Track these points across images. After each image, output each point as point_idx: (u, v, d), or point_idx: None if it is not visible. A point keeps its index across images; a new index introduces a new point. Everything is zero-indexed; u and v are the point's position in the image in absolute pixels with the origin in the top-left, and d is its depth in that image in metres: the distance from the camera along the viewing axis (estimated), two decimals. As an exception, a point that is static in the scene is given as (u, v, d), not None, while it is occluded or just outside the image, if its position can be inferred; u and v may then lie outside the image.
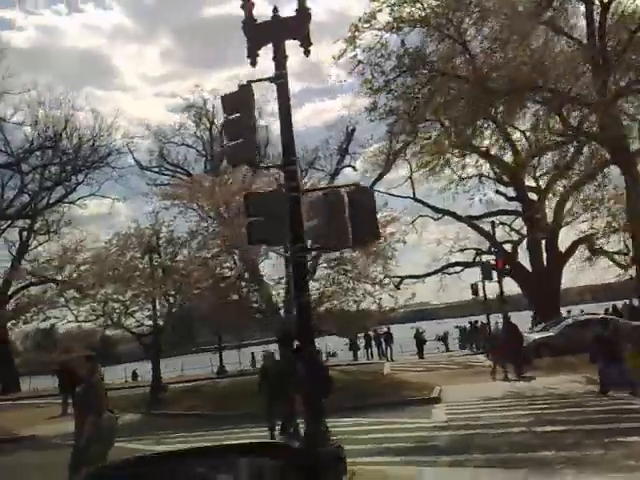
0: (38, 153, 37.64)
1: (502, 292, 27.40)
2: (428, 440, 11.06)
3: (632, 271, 27.25)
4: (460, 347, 39.11)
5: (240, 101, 9.38)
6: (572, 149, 29.24)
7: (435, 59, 23.36)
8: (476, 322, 37.18)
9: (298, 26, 9.22)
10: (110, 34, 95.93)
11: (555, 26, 24.39)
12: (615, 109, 21.97)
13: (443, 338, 41.30)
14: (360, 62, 21.95)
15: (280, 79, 9.46)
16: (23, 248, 34.92)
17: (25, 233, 36.34)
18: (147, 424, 17.69)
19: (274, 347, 15.58)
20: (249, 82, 9.54)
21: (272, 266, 22.73)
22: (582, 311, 36.49)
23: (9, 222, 36.12)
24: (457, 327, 44.97)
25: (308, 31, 9.27)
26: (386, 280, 22.49)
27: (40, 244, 34.31)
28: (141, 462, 1.78)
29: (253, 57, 9.49)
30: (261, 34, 9.18)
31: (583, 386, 16.23)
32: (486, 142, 30.33)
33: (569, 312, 32.98)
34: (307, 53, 10.49)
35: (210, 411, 18.03)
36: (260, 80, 9.70)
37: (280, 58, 9.29)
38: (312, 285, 21.39)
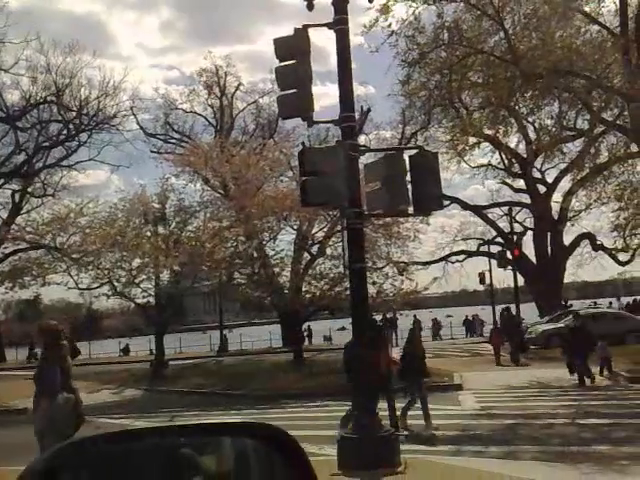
0: (35, 111, 35.62)
1: (516, 281, 26.72)
2: (471, 429, 10.40)
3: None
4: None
5: (295, 47, 8.45)
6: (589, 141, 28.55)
7: (471, 36, 22.44)
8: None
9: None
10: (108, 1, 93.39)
11: (586, 13, 23.63)
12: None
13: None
14: (394, 32, 20.83)
15: (339, 25, 8.56)
16: (15, 210, 33.20)
17: (18, 195, 34.62)
18: (152, 400, 16.83)
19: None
20: (305, 26, 8.56)
21: (287, 243, 21.76)
22: (595, 303, 36.41)
23: (1, 182, 34.27)
24: (448, 316, 45.66)
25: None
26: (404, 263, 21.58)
27: (34, 208, 32.38)
28: (117, 438, 1.61)
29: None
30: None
31: (602, 379, 15.91)
32: (500, 132, 29.59)
33: (570, 305, 32.61)
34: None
35: (219, 389, 17.16)
36: (317, 25, 8.85)
37: (340, 1, 8.34)
38: (328, 265, 20.67)
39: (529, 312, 33.24)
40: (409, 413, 10.56)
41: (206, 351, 34.53)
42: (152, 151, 38.00)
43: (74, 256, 20.22)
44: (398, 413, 10.35)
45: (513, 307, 25.76)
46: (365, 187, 9.30)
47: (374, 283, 19.77)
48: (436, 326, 38.95)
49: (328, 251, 20.79)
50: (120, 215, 20.91)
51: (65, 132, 35.91)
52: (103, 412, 14.54)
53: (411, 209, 8.87)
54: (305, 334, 31.93)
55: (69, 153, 36.13)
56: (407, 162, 8.67)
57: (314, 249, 21.56)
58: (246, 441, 1.65)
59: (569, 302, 35.55)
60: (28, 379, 23.22)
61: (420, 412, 10.46)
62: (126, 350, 39.71)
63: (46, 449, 6.51)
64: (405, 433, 9.90)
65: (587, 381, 15.08)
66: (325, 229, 21.15)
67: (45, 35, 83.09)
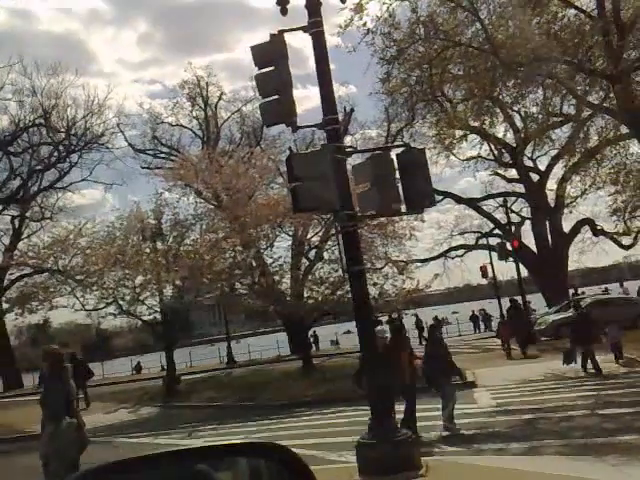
0: (26, 135, 35.72)
1: (519, 272, 26.63)
2: (489, 426, 10.28)
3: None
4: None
5: (272, 53, 8.42)
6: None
7: (447, 29, 22.45)
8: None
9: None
10: (85, 18, 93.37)
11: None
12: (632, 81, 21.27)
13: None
14: (370, 31, 20.87)
15: (314, 27, 8.57)
16: (16, 236, 33.29)
17: (17, 220, 34.70)
18: (169, 417, 16.82)
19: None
20: (280, 32, 8.53)
21: (284, 249, 21.82)
22: (606, 289, 36.14)
23: (0, 208, 34.35)
24: (454, 313, 44.97)
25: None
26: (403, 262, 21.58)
27: (34, 232, 32.54)
28: (133, 464, 1.70)
29: (283, 4, 8.57)
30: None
31: (618, 366, 15.71)
32: (486, 122, 29.57)
33: (575, 293, 32.43)
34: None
35: (232, 402, 17.20)
36: (292, 30, 8.75)
37: (313, 4, 8.35)
38: (326, 269, 20.70)
39: (537, 302, 32.91)
40: (453, 413, 10.26)
41: (216, 363, 34.50)
42: (142, 167, 38.13)
43: (77, 277, 20.29)
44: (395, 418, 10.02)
45: (520, 299, 25.50)
46: (355, 188, 9.33)
47: (375, 284, 19.77)
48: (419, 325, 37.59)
49: (325, 255, 20.83)
50: (118, 234, 20.94)
51: (56, 154, 36.11)
52: (121, 431, 14.68)
53: (404, 207, 8.91)
54: (311, 340, 31.88)
55: (62, 175, 36.31)
56: (395, 160, 8.76)
57: (311, 254, 21.60)
58: (260, 460, 1.71)
59: (579, 290, 35.24)
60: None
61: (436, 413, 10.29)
62: (138, 368, 39.61)
63: (51, 474, 6.61)
64: (461, 431, 9.78)
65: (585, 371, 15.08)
66: (320, 233, 21.19)
67: (27, 57, 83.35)
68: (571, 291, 32.41)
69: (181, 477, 1.66)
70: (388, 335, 10.63)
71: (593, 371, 14.99)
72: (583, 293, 33.00)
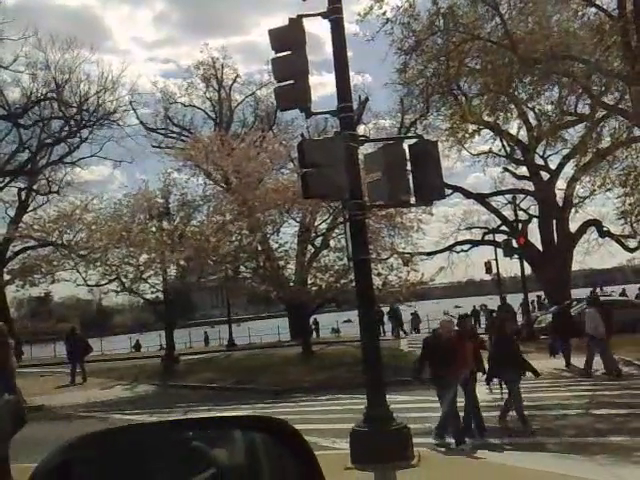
0: (37, 108, 35.59)
1: (523, 270, 26.57)
2: (485, 421, 10.06)
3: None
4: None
5: (290, 38, 8.41)
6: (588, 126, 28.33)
7: (466, 22, 22.28)
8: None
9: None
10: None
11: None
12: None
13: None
14: (389, 20, 20.70)
15: (334, 14, 8.53)
16: (22, 208, 33.30)
17: (24, 193, 34.72)
18: (165, 396, 16.85)
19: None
20: (299, 16, 8.52)
21: (291, 235, 21.79)
22: (601, 289, 36.01)
23: (7, 180, 34.30)
24: (457, 307, 44.76)
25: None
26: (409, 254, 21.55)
27: (40, 205, 32.59)
28: (127, 431, 1.66)
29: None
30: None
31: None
32: (500, 118, 29.41)
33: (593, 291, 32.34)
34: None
35: (230, 384, 17.23)
36: (312, 15, 8.76)
37: None
38: (332, 257, 20.69)
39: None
40: (511, 413, 9.86)
41: (216, 345, 34.63)
42: (153, 146, 37.91)
43: (81, 253, 20.34)
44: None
45: (521, 296, 25.47)
46: (366, 178, 9.31)
47: (379, 274, 19.72)
48: (416, 320, 37.49)
49: (332, 243, 20.82)
50: (125, 211, 21.00)
51: (67, 129, 35.87)
52: (117, 408, 14.74)
53: (413, 199, 8.86)
54: (312, 327, 31.93)
55: (72, 150, 36.10)
56: (407, 151, 8.72)
57: (318, 241, 21.58)
58: (255, 434, 1.67)
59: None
60: (43, 376, 23.38)
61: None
62: (137, 346, 39.82)
63: None
64: (532, 429, 9.36)
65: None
66: (328, 221, 21.16)
67: (42, 31, 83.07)
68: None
69: (178, 451, 1.61)
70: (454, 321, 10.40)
71: (588, 370, 14.96)
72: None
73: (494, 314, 26.66)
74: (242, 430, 1.69)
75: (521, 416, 9.52)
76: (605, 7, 21.86)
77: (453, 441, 8.89)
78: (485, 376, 10.07)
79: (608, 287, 45.74)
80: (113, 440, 1.58)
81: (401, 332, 33.33)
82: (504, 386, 10.07)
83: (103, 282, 20.96)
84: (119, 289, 20.99)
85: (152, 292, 21.32)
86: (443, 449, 8.62)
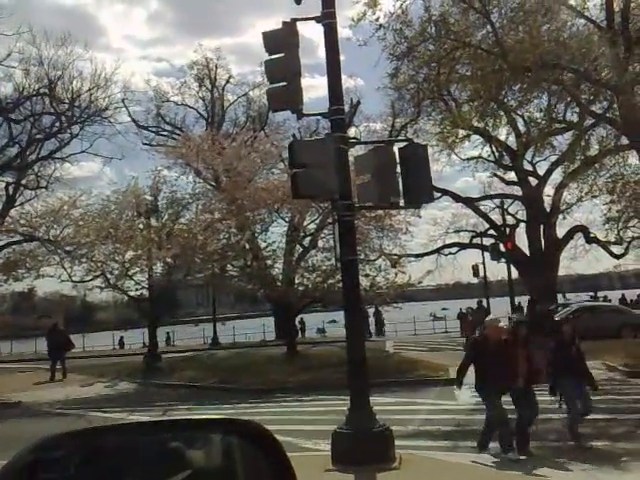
0: (29, 103, 35.37)
1: (510, 274, 26.77)
2: (467, 424, 10.28)
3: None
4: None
5: (284, 40, 8.52)
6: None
7: (458, 30, 22.45)
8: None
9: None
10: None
11: (572, 7, 23.65)
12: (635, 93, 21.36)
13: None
14: (382, 26, 20.79)
15: (327, 18, 8.63)
16: (9, 203, 33.00)
17: (12, 187, 34.41)
18: (146, 394, 16.78)
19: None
20: (293, 20, 8.62)
21: (279, 235, 21.75)
22: (595, 294, 36.24)
23: (-5, 174, 34.00)
24: (444, 309, 44.94)
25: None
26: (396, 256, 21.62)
27: (27, 200, 32.26)
28: (103, 432, 1.65)
29: (299, -8, 8.68)
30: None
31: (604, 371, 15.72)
32: (489, 124, 29.61)
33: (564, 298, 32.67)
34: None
35: (212, 383, 17.14)
36: (306, 19, 8.91)
37: None
38: (320, 257, 20.69)
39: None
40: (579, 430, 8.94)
41: (199, 344, 34.51)
42: (144, 143, 37.77)
43: (67, 248, 20.14)
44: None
45: (519, 300, 25.63)
46: (356, 179, 9.35)
47: (367, 275, 19.75)
48: (380, 322, 36.06)
49: (320, 243, 20.78)
50: (113, 207, 20.83)
51: (58, 124, 35.42)
52: (97, 405, 14.61)
53: (402, 201, 8.92)
54: (298, 327, 31.84)
55: (62, 145, 35.64)
56: (397, 154, 8.77)
57: (306, 241, 21.57)
58: (233, 437, 1.66)
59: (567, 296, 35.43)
60: (23, 372, 23.15)
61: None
62: (121, 343, 39.65)
63: None
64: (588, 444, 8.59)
65: None
66: (317, 221, 21.16)
67: (36, 27, 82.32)
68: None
69: (155, 452, 1.61)
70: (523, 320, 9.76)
71: None
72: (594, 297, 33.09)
73: (469, 316, 26.76)
74: (214, 433, 1.69)
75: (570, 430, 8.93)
76: (594, 19, 22.17)
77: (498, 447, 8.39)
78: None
79: (601, 292, 46.04)
80: (88, 440, 1.57)
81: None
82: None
83: (88, 278, 20.81)
84: (104, 285, 20.87)
85: (137, 289, 21.24)
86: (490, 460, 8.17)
